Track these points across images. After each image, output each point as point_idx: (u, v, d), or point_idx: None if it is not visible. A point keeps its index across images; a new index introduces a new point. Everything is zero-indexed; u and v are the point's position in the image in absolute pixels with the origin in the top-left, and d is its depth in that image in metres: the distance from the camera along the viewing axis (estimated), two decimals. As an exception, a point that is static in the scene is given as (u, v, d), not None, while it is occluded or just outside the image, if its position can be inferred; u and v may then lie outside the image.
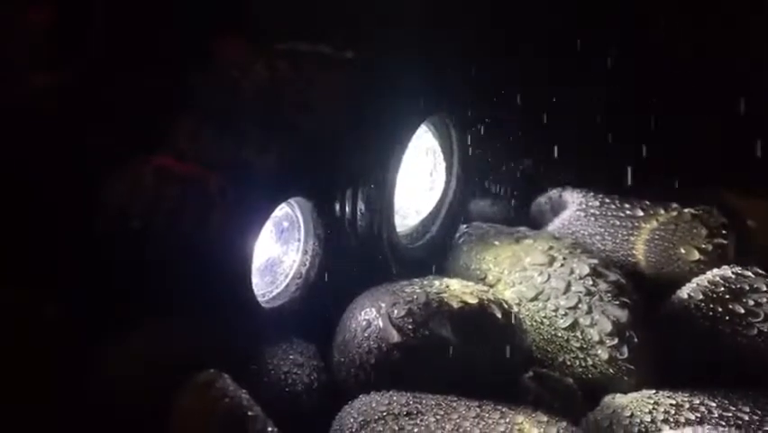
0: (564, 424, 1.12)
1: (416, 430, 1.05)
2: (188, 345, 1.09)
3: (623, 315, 1.29)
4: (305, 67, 1.28)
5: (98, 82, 1.28)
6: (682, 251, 1.48)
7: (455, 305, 1.23)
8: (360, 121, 1.26)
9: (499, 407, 1.14)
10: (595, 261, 1.38)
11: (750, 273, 1.38)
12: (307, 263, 1.30)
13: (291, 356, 1.21)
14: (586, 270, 1.36)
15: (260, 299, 1.24)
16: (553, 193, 1.65)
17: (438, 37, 1.32)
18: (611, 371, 1.27)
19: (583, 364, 1.30)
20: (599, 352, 1.28)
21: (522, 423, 1.08)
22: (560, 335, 1.31)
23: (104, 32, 1.31)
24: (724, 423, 1.18)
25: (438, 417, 1.08)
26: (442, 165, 1.46)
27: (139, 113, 1.26)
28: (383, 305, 1.23)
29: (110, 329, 1.12)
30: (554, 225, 1.59)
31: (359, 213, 1.28)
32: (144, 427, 1.02)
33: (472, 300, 1.25)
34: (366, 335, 1.22)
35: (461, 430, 1.05)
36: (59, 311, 1.09)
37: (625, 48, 1.53)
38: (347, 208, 1.28)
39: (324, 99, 1.27)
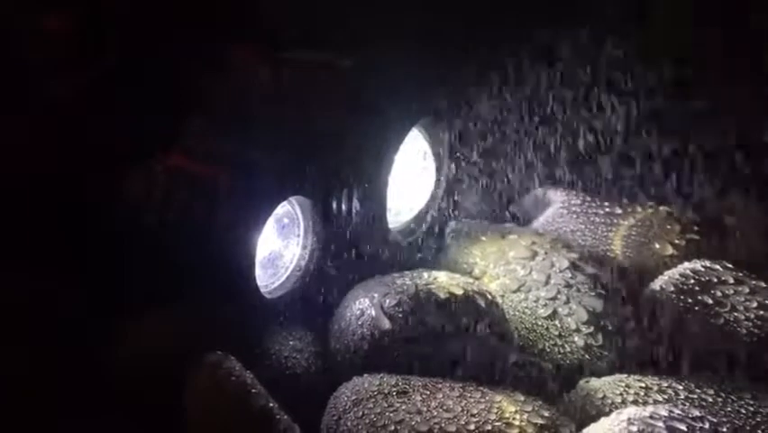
0: (540, 403, 1.22)
1: (403, 407, 1.15)
2: (199, 331, 1.20)
3: (598, 305, 1.39)
4: (306, 75, 1.38)
5: (117, 85, 1.38)
6: (657, 246, 1.58)
7: (442, 295, 1.33)
8: (355, 125, 1.36)
9: (481, 388, 1.23)
10: (574, 255, 1.48)
11: (719, 267, 1.47)
12: (306, 257, 1.39)
13: (291, 342, 1.32)
14: (565, 263, 1.45)
15: (262, 290, 1.34)
16: (539, 192, 1.75)
17: (429, 45, 1.42)
18: (587, 357, 1.37)
19: (561, 351, 1.39)
20: (576, 339, 1.38)
21: (501, 401, 1.19)
22: (540, 323, 1.41)
23: (122, 39, 1.41)
24: (688, 404, 1.28)
25: (424, 396, 1.19)
26: (433, 166, 1.56)
27: (156, 115, 1.36)
28: (376, 295, 1.34)
29: (132, 314, 1.22)
30: (539, 222, 1.69)
31: (354, 210, 1.38)
32: (160, 400, 1.12)
33: (458, 291, 1.35)
34: (360, 323, 1.32)
35: (444, 407, 1.15)
36: (84, 296, 1.20)
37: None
38: (343, 206, 1.38)
39: (323, 106, 1.37)
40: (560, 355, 1.39)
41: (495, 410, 1.16)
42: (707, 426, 1.08)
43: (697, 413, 1.12)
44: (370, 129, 1.35)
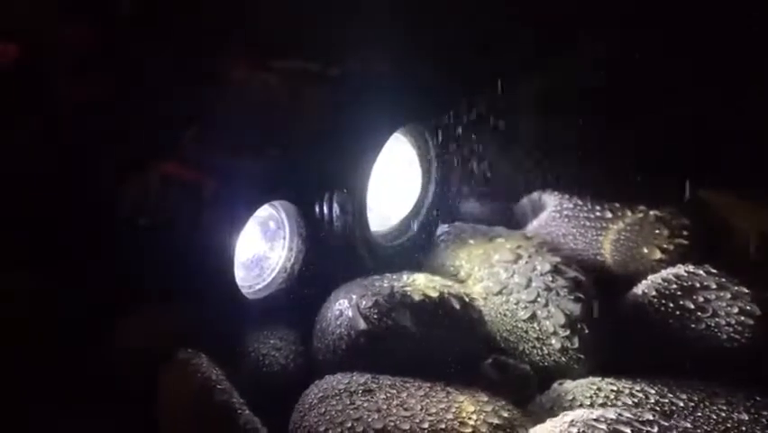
0: (503, 404, 1.25)
1: (365, 405, 1.20)
2: (179, 329, 1.27)
3: (576, 309, 1.41)
4: (289, 85, 1.44)
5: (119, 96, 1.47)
6: (645, 250, 1.59)
7: (416, 297, 1.38)
8: (334, 133, 1.41)
9: (448, 388, 1.27)
10: (557, 259, 1.50)
11: (702, 272, 1.48)
12: (292, 259, 1.46)
13: (271, 341, 1.38)
14: (547, 267, 1.48)
15: (247, 290, 1.41)
16: (534, 195, 1.78)
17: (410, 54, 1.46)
18: (563, 359, 1.40)
19: (539, 353, 1.42)
20: (553, 342, 1.40)
21: (462, 401, 1.22)
22: (520, 326, 1.44)
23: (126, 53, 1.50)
24: (658, 408, 1.29)
25: (389, 395, 1.23)
26: (420, 170, 1.61)
27: (151, 124, 1.44)
28: (354, 297, 1.39)
29: (117, 312, 1.30)
30: (533, 226, 1.72)
31: (334, 215, 1.44)
32: (140, 393, 1.20)
33: (433, 294, 1.39)
34: (338, 323, 1.38)
35: (404, 406, 1.20)
36: (74, 294, 1.28)
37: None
38: (325, 211, 1.44)
39: (305, 115, 1.43)
40: (538, 357, 1.42)
41: (454, 410, 1.20)
42: (655, 430, 1.10)
43: (648, 417, 1.14)
44: (348, 139, 1.40)
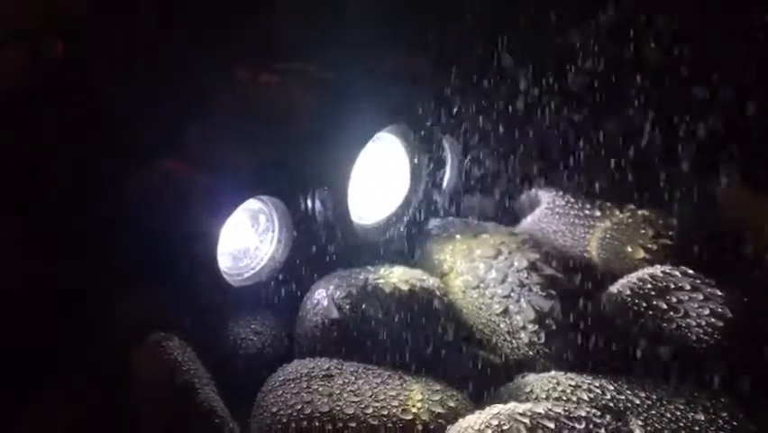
0: (452, 393, 1.32)
1: (320, 389, 1.29)
2: (156, 312, 1.39)
3: (546, 305, 1.46)
4: (278, 87, 1.54)
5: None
6: (629, 249, 1.61)
7: (387, 289, 1.45)
8: (318, 133, 1.50)
9: (405, 376, 1.35)
10: (536, 256, 1.54)
11: (677, 273, 1.49)
12: (281, 250, 1.56)
13: (252, 326, 1.48)
14: (525, 263, 1.52)
15: (236, 278, 1.53)
16: (532, 192, 1.82)
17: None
18: (530, 353, 1.45)
19: (510, 347, 1.48)
20: (522, 336, 1.46)
21: (413, 390, 1.30)
22: (493, 319, 1.50)
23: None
24: (612, 405, 1.33)
25: (346, 381, 1.32)
26: (409, 167, 1.68)
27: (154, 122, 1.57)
28: (331, 287, 1.48)
29: (109, 296, 1.43)
30: (527, 222, 1.77)
31: (317, 210, 1.53)
32: (119, 371, 1.33)
33: (404, 287, 1.47)
34: (315, 311, 1.47)
35: (356, 392, 1.28)
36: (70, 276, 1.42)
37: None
38: (309, 206, 1.53)
39: (291, 115, 1.52)
40: (509, 351, 1.48)
41: (402, 398, 1.27)
42: (582, 426, 1.14)
43: (581, 413, 1.18)
44: (331, 138, 1.48)
